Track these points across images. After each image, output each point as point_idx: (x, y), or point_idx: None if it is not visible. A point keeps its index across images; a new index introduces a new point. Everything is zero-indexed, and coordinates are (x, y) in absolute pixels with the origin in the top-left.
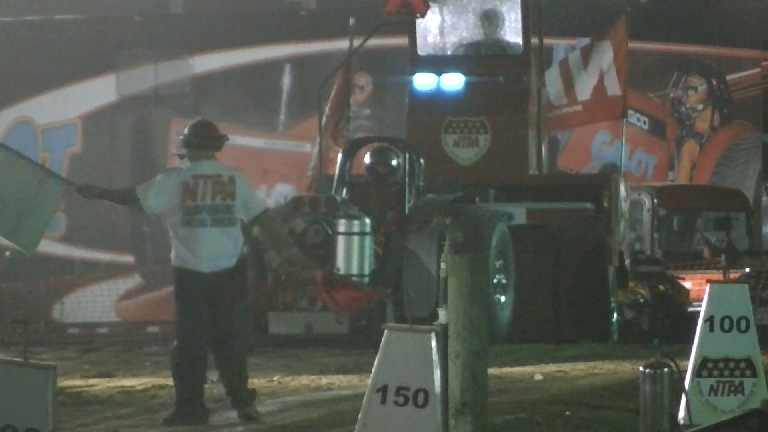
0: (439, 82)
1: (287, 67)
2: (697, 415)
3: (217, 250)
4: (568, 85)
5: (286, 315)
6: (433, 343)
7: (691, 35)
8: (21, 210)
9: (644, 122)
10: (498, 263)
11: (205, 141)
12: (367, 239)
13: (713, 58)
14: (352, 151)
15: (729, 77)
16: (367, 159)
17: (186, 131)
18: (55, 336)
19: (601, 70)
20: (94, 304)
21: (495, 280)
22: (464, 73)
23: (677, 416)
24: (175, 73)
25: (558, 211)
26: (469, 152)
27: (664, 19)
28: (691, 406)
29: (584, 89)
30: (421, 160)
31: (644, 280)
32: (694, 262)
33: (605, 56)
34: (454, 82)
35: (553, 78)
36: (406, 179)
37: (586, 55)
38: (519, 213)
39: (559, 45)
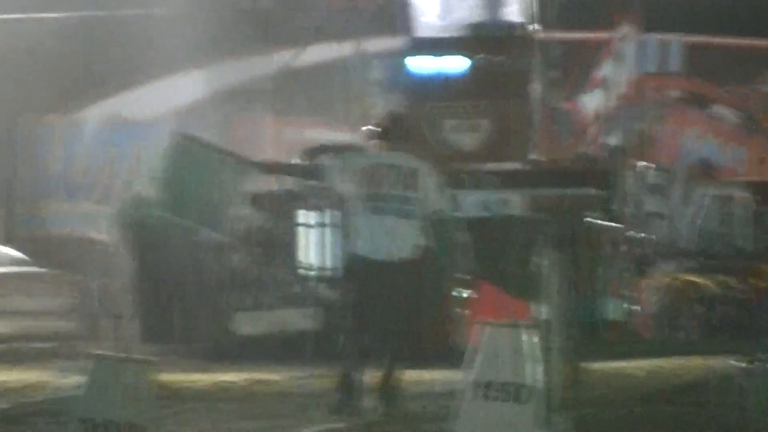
0: (438, 64)
1: None
2: None
3: (389, 239)
4: None
5: (254, 314)
6: (535, 339)
7: None
8: (210, 194)
9: (736, 116)
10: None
11: (389, 131)
12: (328, 232)
13: None
14: (310, 158)
15: None
16: None
17: (378, 120)
18: None
19: None
20: None
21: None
22: (465, 56)
23: None
24: None
25: (559, 197)
26: (469, 137)
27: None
28: None
29: None
30: None
31: (729, 274)
32: None
33: None
34: (454, 64)
35: None
36: None
37: None
38: (518, 200)
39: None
